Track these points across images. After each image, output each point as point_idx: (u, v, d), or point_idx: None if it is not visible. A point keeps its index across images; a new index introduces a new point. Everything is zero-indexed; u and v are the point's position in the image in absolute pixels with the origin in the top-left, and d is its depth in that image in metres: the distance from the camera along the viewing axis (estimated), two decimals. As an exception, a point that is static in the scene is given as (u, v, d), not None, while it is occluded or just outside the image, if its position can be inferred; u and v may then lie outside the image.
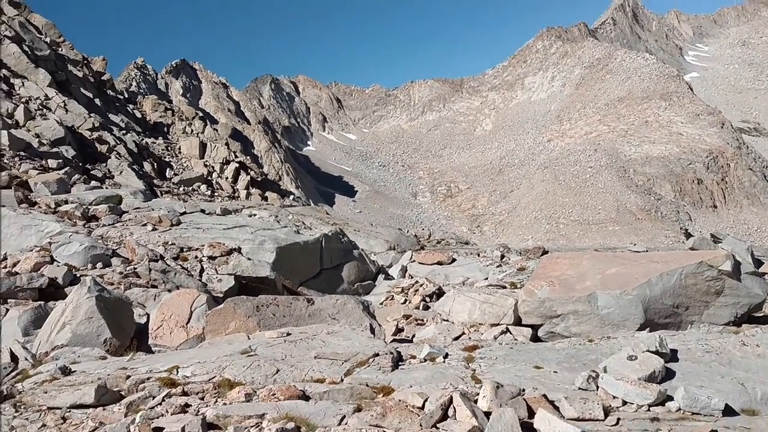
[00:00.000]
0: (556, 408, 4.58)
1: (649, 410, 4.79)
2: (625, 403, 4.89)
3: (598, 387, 5.17)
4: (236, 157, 40.49)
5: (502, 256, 17.86)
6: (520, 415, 4.31)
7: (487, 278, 14.70)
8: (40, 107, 23.16)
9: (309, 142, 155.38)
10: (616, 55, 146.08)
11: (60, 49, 34.62)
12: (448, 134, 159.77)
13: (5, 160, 16.10)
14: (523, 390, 4.90)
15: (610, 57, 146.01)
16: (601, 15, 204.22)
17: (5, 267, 9.74)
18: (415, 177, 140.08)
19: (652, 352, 5.81)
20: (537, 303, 8.83)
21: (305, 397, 5.02)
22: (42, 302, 8.80)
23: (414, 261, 17.26)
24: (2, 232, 10.56)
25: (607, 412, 4.67)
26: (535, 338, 8.87)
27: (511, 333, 8.96)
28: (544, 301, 8.76)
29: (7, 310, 8.57)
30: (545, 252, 16.51)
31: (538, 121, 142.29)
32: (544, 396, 4.72)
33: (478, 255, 18.90)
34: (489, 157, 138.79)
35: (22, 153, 17.34)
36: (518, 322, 9.27)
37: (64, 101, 25.26)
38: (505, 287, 11.62)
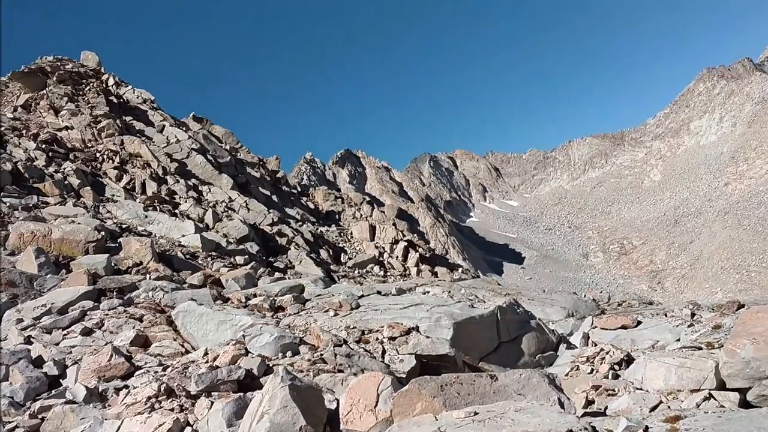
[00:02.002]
0: (783, 485, 4.11)
1: None
2: None
3: (830, 459, 4.60)
4: (404, 236, 41.45)
5: (693, 314, 16.57)
6: (740, 494, 3.93)
7: (679, 340, 13.65)
8: (226, 209, 25.34)
9: (471, 214, 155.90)
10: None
11: (239, 154, 37.93)
12: (614, 190, 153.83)
13: (200, 261, 17.54)
14: (740, 465, 4.46)
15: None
16: (767, 47, 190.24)
17: (207, 362, 10.54)
18: (584, 237, 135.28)
19: None
20: (742, 364, 8.05)
21: (501, 479, 4.90)
22: (241, 393, 9.37)
23: (596, 327, 16.43)
24: (202, 328, 11.46)
25: None
26: (745, 403, 8.05)
27: (715, 399, 8.19)
28: (749, 362, 7.97)
29: (212, 403, 9.23)
30: (741, 306, 15.09)
31: (711, 165, 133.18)
32: (766, 471, 4.26)
33: (665, 315, 17.66)
34: (661, 209, 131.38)
35: (213, 253, 18.86)
36: (722, 386, 8.48)
37: (245, 201, 27.48)
38: (701, 348, 10.73)
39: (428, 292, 18.11)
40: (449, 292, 18.69)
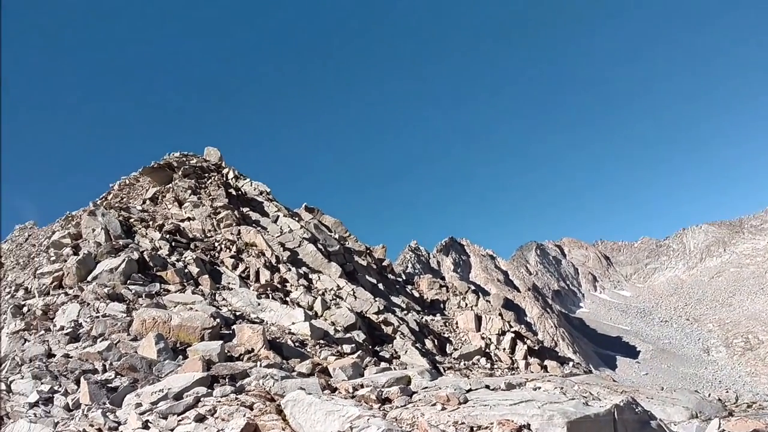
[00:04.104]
0: None
1: None
2: None
3: None
4: (511, 326, 40.43)
5: (836, 420, 15.05)
6: None
7: (821, 449, 12.40)
8: (334, 297, 25.79)
9: (581, 304, 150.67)
10: None
11: (347, 242, 38.82)
12: (734, 280, 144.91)
13: (308, 349, 17.76)
14: None
15: None
16: None
17: (314, 452, 10.50)
18: (704, 330, 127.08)
19: None
20: None
21: None
22: (348, 488, 9.25)
23: (723, 430, 15.22)
24: (310, 418, 11.46)
25: None
26: None
27: None
28: None
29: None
30: None
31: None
32: None
33: (803, 419, 16.15)
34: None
35: (321, 341, 19.08)
36: None
37: (353, 289, 27.87)
38: None
39: (539, 387, 17.42)
40: (561, 388, 17.89)
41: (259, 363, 13.77)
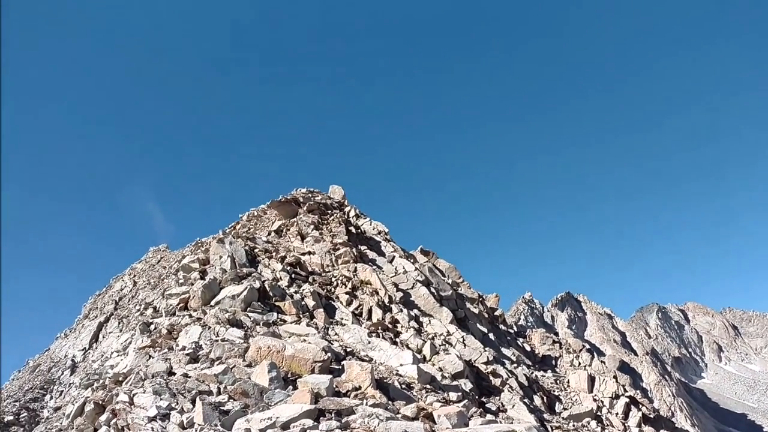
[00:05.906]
0: None
1: None
2: None
3: None
4: (626, 391, 38.40)
5: None
6: None
7: None
8: (443, 343, 25.57)
9: (703, 374, 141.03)
10: None
11: (459, 288, 38.52)
12: None
13: (414, 392, 17.65)
14: None
15: None
16: None
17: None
18: None
19: None
20: None
21: None
22: None
23: None
24: (413, 463, 11.36)
25: None
26: None
27: None
28: None
29: None
30: None
31: None
32: None
33: None
34: None
35: (427, 386, 18.92)
36: None
37: (463, 336, 27.53)
38: None
39: (654, 459, 16.46)
40: (678, 462, 16.83)
41: (365, 401, 13.81)
